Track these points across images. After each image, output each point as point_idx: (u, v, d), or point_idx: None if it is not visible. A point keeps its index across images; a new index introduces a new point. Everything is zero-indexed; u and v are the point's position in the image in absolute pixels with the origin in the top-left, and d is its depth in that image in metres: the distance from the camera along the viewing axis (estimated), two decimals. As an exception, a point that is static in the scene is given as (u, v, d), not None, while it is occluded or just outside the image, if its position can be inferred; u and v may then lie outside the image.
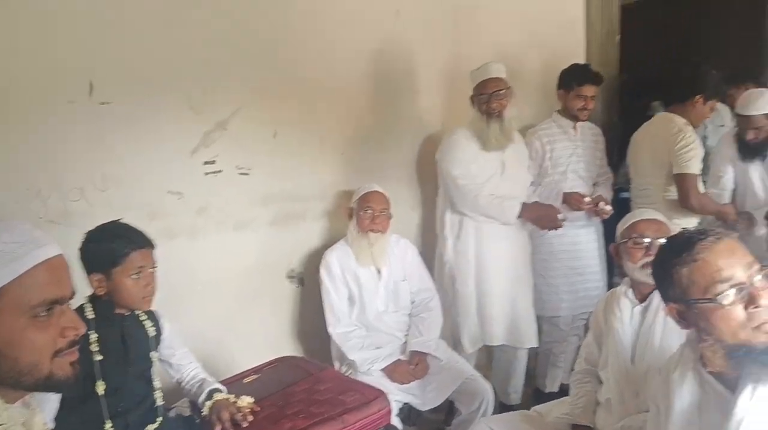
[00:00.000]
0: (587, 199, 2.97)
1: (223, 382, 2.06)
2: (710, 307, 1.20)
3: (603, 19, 3.62)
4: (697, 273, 1.22)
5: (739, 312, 1.18)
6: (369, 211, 2.53)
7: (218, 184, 2.49)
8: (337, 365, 2.57)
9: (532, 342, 2.96)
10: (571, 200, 2.96)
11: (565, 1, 3.50)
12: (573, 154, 3.09)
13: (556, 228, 2.85)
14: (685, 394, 1.33)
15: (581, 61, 3.45)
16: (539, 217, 2.83)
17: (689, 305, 1.24)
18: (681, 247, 1.25)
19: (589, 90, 3.04)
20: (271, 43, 2.57)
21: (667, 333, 1.79)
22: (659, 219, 1.92)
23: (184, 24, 2.33)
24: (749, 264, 1.19)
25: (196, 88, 2.39)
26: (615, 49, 3.72)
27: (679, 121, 2.86)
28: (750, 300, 1.16)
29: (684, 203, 2.82)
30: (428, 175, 2.95)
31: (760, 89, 2.99)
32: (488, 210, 2.78)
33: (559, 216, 2.83)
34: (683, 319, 1.29)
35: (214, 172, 2.48)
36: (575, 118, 3.10)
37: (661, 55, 5.63)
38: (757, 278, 1.18)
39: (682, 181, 2.80)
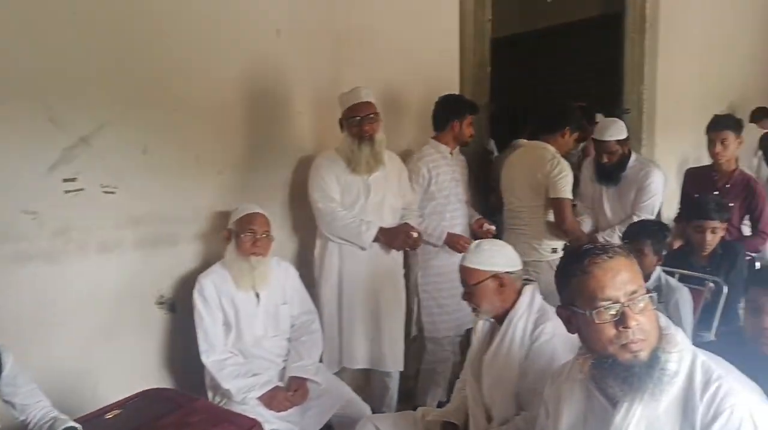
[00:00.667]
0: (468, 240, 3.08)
1: (80, 419, 1.89)
2: (587, 319, 1.29)
3: (476, 51, 3.82)
4: (584, 285, 1.31)
5: (610, 329, 1.27)
6: (250, 234, 2.46)
7: (80, 203, 2.30)
8: (210, 395, 2.45)
9: (397, 366, 2.97)
10: (457, 245, 3.07)
11: (441, 32, 3.65)
12: (452, 178, 3.20)
13: (412, 247, 2.93)
14: (573, 403, 1.42)
15: (456, 90, 3.62)
16: (393, 238, 2.86)
17: (574, 312, 1.34)
18: (578, 257, 1.34)
19: (473, 118, 3.22)
20: (144, 54, 2.44)
21: (510, 357, 1.91)
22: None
23: (44, 26, 2.15)
24: (632, 286, 1.29)
25: (56, 98, 2.20)
26: (486, 80, 3.94)
27: (551, 149, 3.14)
28: (622, 320, 1.26)
29: (560, 226, 3.09)
30: (306, 197, 2.93)
31: (612, 118, 3.44)
32: (344, 233, 2.79)
33: (414, 233, 2.89)
34: (569, 323, 1.39)
35: (75, 191, 2.29)
36: (464, 145, 3.26)
37: (527, 86, 6.11)
38: (636, 302, 1.27)
39: (558, 205, 3.06)
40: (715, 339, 2.43)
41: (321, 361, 2.74)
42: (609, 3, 5.32)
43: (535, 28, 6.24)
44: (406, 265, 3.15)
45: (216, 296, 2.44)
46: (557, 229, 3.11)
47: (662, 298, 2.59)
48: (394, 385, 3.05)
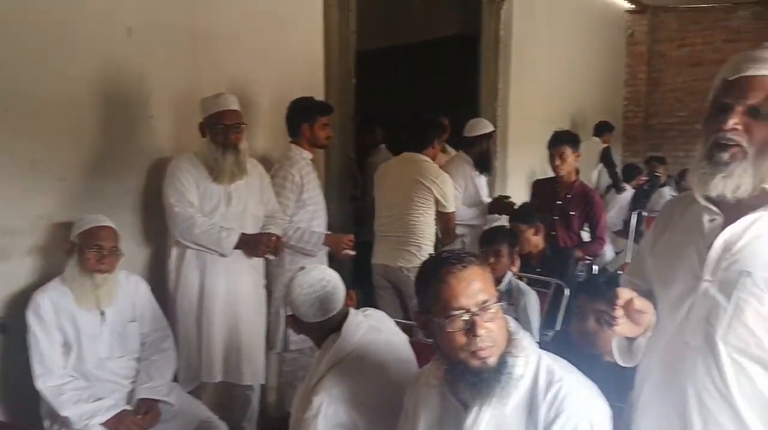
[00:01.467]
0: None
1: None
2: (441, 326, 1.34)
3: (341, 61, 3.86)
4: (438, 294, 1.35)
5: (461, 337, 1.32)
6: (95, 250, 2.27)
7: None
8: (47, 424, 2.23)
9: (257, 379, 2.89)
10: (340, 245, 3.12)
11: (307, 41, 3.64)
12: (317, 185, 3.19)
13: (275, 254, 2.86)
14: (429, 408, 1.45)
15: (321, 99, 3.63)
16: (254, 245, 2.78)
17: (430, 319, 1.37)
18: (435, 266, 1.39)
19: (327, 119, 3.19)
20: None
21: None
22: None
23: None
24: (483, 295, 1.34)
25: None
26: (351, 91, 3.99)
27: (431, 162, 3.36)
28: (472, 329, 1.31)
29: (446, 237, 3.36)
30: (159, 204, 2.76)
31: (478, 118, 4.24)
32: (203, 240, 2.66)
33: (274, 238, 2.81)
34: (425, 329, 1.43)
35: None
36: (321, 148, 3.24)
37: (391, 98, 6.27)
38: (486, 311, 1.33)
39: (448, 218, 3.34)
40: (549, 340, 2.61)
41: (176, 380, 2.59)
42: (467, 24, 5.62)
43: (401, 42, 6.43)
44: (268, 277, 3.08)
45: (54, 314, 2.22)
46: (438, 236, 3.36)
47: (512, 301, 2.76)
48: (255, 398, 2.96)
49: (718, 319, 1.22)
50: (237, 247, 2.72)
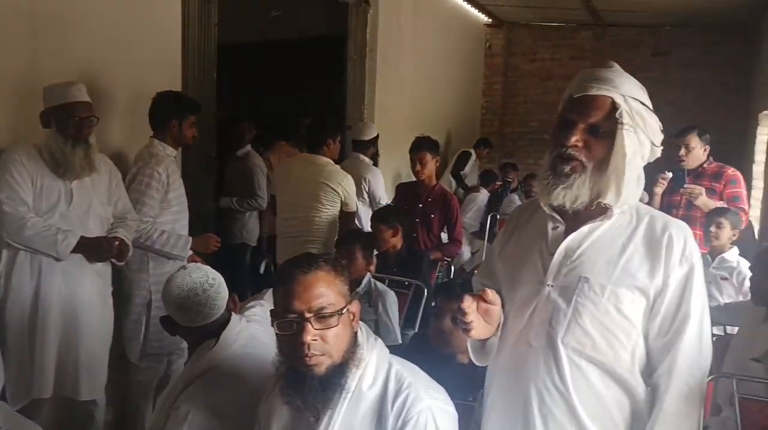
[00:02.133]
0: None
1: None
2: (276, 329, 1.32)
3: (200, 55, 3.68)
4: (280, 295, 1.33)
5: (290, 341, 1.30)
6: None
7: None
8: None
9: (94, 394, 2.64)
10: (210, 247, 3.09)
11: (162, 31, 3.42)
12: (181, 184, 3.02)
13: (118, 260, 2.64)
14: (281, 418, 1.41)
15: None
16: (95, 249, 2.56)
17: (272, 322, 1.34)
18: (287, 266, 1.36)
19: (195, 118, 3.05)
20: None
21: None
22: None
23: None
24: (322, 302, 1.30)
25: None
26: (212, 87, 3.82)
27: (333, 164, 3.49)
28: (299, 333, 1.28)
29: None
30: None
31: (365, 122, 4.67)
32: (35, 243, 2.41)
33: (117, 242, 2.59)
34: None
35: None
36: (184, 146, 3.10)
37: (258, 95, 6.12)
38: (320, 318, 1.29)
39: (350, 217, 3.46)
40: (408, 341, 2.68)
41: (4, 397, 2.31)
42: (334, 25, 5.64)
43: (267, 38, 6.30)
44: (127, 282, 2.88)
45: None
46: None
47: (372, 302, 2.80)
48: (100, 414, 2.73)
49: (558, 322, 1.30)
50: (76, 250, 2.49)
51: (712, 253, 3.27)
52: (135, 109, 3.15)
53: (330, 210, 3.39)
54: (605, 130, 1.26)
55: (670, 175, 3.46)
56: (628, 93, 1.27)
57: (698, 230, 3.28)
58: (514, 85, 8.46)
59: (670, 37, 7.54)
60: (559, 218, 1.35)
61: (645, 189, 3.61)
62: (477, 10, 7.50)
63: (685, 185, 3.35)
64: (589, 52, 7.98)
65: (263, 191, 4.37)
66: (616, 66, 1.34)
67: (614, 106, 1.25)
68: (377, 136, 4.26)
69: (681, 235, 1.29)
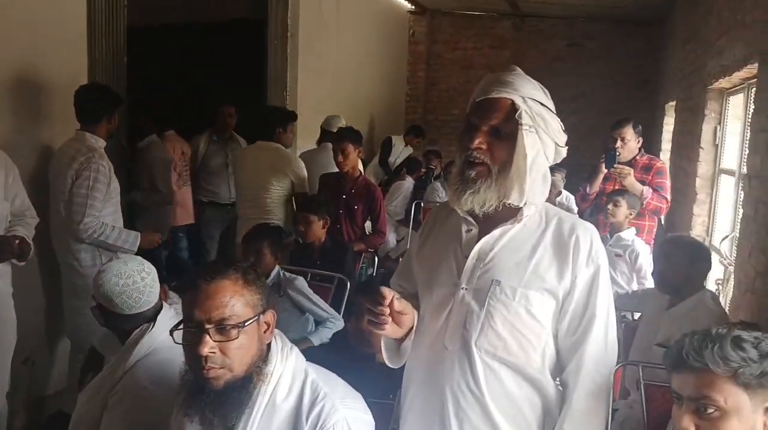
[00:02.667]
0: None
1: None
2: (176, 338, 1.29)
3: (108, 37, 3.46)
4: (185, 305, 1.29)
5: (191, 351, 1.25)
6: None
7: None
8: None
9: None
10: (155, 244, 3.19)
11: (66, 12, 3.18)
12: (114, 176, 2.92)
13: (19, 260, 2.46)
14: (194, 426, 1.34)
15: (84, 78, 3.22)
16: None
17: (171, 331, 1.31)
18: (193, 274, 1.31)
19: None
20: None
21: None
22: None
23: None
24: (222, 313, 1.24)
25: None
26: (123, 72, 3.61)
27: (284, 149, 3.73)
28: (197, 345, 1.23)
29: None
30: None
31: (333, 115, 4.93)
32: None
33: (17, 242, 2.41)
34: None
35: None
36: (109, 139, 2.98)
37: (168, 78, 5.85)
38: (220, 330, 1.24)
39: (304, 196, 3.62)
40: (328, 341, 2.65)
41: None
42: (254, 8, 5.46)
43: (182, 21, 6.01)
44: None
45: None
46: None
47: (281, 292, 2.75)
48: (2, 422, 2.55)
49: (472, 325, 1.31)
50: None
51: (611, 231, 3.46)
52: (35, 98, 2.93)
53: (279, 191, 3.61)
54: (507, 131, 1.27)
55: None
56: (527, 95, 1.28)
57: None
58: (437, 72, 8.54)
59: (584, 29, 7.83)
60: (472, 220, 1.36)
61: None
62: (400, -3, 7.50)
63: (615, 165, 3.47)
64: (509, 41, 8.16)
65: (165, 185, 4.21)
66: (518, 70, 1.36)
67: (514, 108, 1.27)
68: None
69: (587, 236, 1.32)
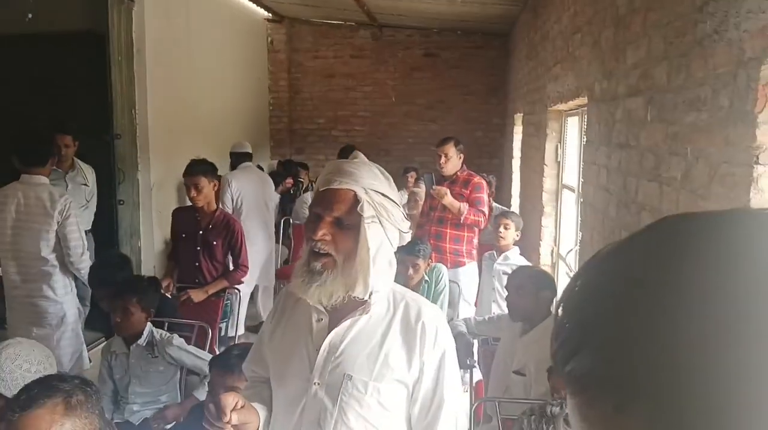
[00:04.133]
0: None
1: None
2: None
3: None
4: None
5: None
6: None
7: None
8: None
9: None
10: None
11: None
12: None
13: None
14: None
15: None
16: None
17: None
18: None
19: None
20: None
21: None
22: None
23: None
24: None
25: None
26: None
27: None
28: None
29: None
30: None
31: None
32: None
33: None
34: None
35: None
36: None
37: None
38: None
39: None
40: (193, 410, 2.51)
41: None
42: (96, 21, 5.03)
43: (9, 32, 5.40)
44: None
45: None
46: None
47: (157, 352, 2.58)
48: None
49: (326, 421, 1.28)
50: None
51: (498, 251, 3.78)
52: None
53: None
54: (349, 223, 1.27)
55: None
56: (369, 186, 1.28)
57: (450, 229, 3.82)
58: (299, 81, 8.44)
59: (439, 40, 8.11)
60: (322, 309, 1.33)
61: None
62: (255, 5, 7.29)
63: (434, 187, 3.77)
64: (368, 51, 8.25)
65: None
66: (361, 157, 1.36)
67: (356, 199, 1.26)
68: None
69: (433, 323, 1.34)
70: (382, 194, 1.30)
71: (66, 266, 3.12)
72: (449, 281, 3.70)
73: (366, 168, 1.31)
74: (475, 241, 3.94)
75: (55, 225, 3.03)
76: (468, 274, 3.84)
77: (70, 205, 3.08)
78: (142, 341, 2.59)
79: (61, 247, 3.07)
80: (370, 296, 1.30)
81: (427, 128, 8.04)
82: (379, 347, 1.31)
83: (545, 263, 4.40)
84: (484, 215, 3.82)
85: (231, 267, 3.54)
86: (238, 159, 5.01)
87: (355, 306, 1.32)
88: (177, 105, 5.49)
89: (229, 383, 1.88)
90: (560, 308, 0.43)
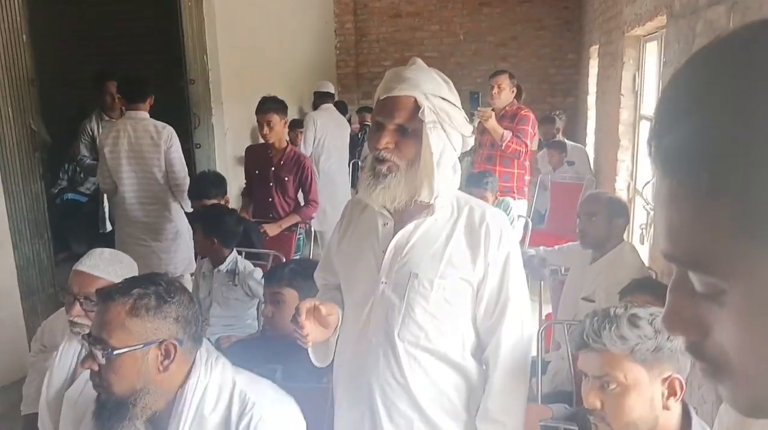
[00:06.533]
0: None
1: None
2: None
3: (3, 14, 3.20)
4: None
5: None
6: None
7: None
8: None
9: None
10: None
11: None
12: None
13: None
14: None
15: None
16: None
17: None
18: None
19: None
20: None
21: None
22: None
23: None
24: (96, 331, 1.26)
25: None
26: (23, 49, 3.36)
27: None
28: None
29: None
30: None
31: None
32: None
33: None
34: None
35: None
36: None
37: (75, 53, 5.49)
38: (92, 346, 1.24)
39: None
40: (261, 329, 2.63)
41: None
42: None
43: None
44: None
45: None
46: None
47: (238, 280, 2.72)
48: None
49: (394, 318, 1.34)
50: None
51: None
52: None
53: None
54: (412, 129, 1.28)
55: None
56: (429, 91, 1.28)
57: (500, 166, 3.78)
58: (365, 23, 8.35)
59: (511, -28, 7.76)
60: (387, 214, 1.37)
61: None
62: (320, -54, 7.20)
63: (479, 108, 3.70)
64: (436, -14, 8.02)
65: None
66: (419, 62, 1.35)
67: (417, 105, 1.26)
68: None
69: (497, 224, 1.36)
70: (443, 98, 1.29)
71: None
72: (518, 216, 3.67)
73: (425, 73, 1.31)
74: (527, 178, 3.90)
75: (162, 153, 3.34)
76: (518, 211, 3.79)
77: (172, 134, 3.38)
78: (223, 267, 2.73)
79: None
80: (435, 199, 1.32)
81: (497, 67, 7.77)
82: (443, 248, 1.34)
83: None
84: (526, 146, 3.75)
85: (302, 203, 3.64)
86: (320, 99, 5.07)
87: (419, 210, 1.34)
88: (246, 51, 5.57)
89: (272, 291, 1.98)
90: (667, 83, 0.41)
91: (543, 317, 2.89)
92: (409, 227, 1.35)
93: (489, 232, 1.34)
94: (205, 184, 3.26)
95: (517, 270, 1.38)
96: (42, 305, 3.51)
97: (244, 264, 2.78)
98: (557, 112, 6.21)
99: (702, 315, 0.41)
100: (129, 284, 1.27)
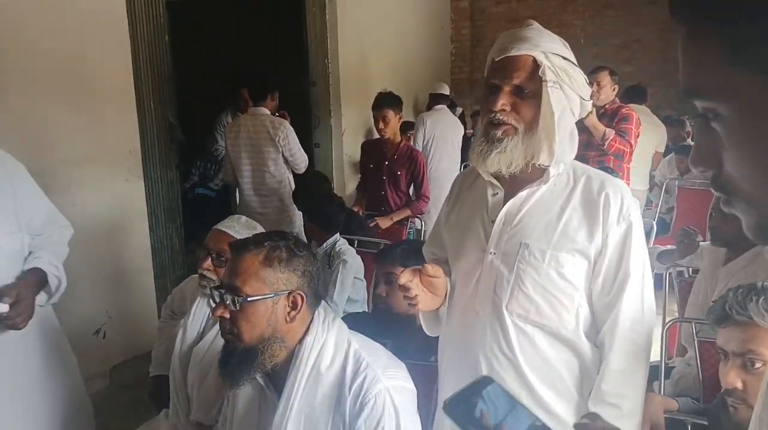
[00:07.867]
0: None
1: None
2: None
3: (149, 16, 3.52)
4: None
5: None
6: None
7: None
8: None
9: None
10: None
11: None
12: None
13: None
14: (245, 396, 1.38)
15: (127, 59, 3.30)
16: None
17: None
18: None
19: None
20: None
21: None
22: None
23: None
24: (229, 280, 1.31)
25: None
26: (164, 49, 3.67)
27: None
28: (215, 305, 1.30)
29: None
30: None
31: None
32: None
33: None
34: None
35: None
36: None
37: (212, 53, 5.90)
38: (226, 294, 1.29)
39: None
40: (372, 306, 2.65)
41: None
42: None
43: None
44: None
45: None
46: None
47: (331, 263, 2.78)
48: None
49: (502, 289, 1.29)
50: None
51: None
52: (73, 80, 3.01)
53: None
54: (531, 90, 1.22)
55: None
56: (548, 50, 1.22)
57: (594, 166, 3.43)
58: (482, 29, 8.29)
59: (637, -28, 7.41)
60: (497, 184, 1.33)
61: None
62: (439, -48, 7.26)
63: None
64: (556, -9, 7.81)
65: None
66: (535, 24, 1.29)
67: (536, 65, 1.21)
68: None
69: (618, 194, 1.27)
70: (563, 58, 1.24)
71: (288, 181, 3.64)
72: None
73: (543, 32, 1.26)
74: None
75: (279, 147, 3.54)
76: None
77: (287, 129, 3.57)
78: (321, 250, 2.81)
79: (284, 166, 3.61)
80: (554, 163, 1.26)
81: (619, 70, 7.38)
82: (557, 218, 1.28)
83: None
84: (630, 146, 3.40)
85: (414, 198, 3.67)
86: (434, 100, 5.16)
87: (532, 177, 1.29)
88: (363, 56, 5.73)
89: (386, 271, 1.99)
90: None
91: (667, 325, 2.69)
92: (521, 195, 1.29)
93: (609, 202, 1.25)
94: (310, 186, 3.43)
95: (639, 245, 1.28)
96: (172, 285, 3.77)
97: (341, 250, 2.82)
98: (686, 117, 5.83)
99: (714, 147, 0.47)
100: (261, 237, 1.34)
